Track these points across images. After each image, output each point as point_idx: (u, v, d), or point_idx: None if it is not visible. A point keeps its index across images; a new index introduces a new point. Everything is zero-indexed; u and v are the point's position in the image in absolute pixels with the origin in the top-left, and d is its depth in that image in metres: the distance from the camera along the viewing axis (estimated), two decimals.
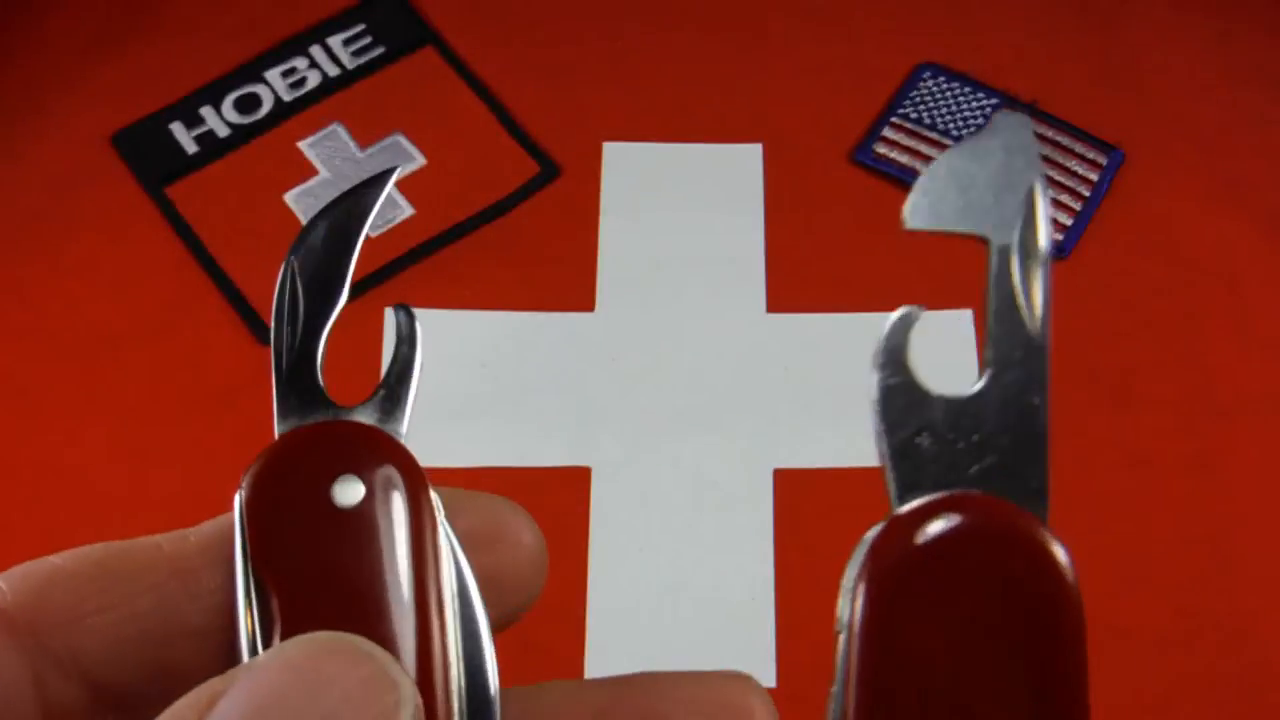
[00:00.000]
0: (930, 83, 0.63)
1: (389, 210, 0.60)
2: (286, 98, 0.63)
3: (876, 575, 0.22)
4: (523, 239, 0.60)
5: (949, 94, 0.63)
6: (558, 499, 0.54)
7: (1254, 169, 0.61)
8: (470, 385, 0.56)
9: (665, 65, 0.64)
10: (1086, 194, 0.60)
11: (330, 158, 0.62)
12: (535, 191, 0.61)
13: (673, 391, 0.56)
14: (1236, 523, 0.53)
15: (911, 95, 0.63)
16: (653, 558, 0.53)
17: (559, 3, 0.66)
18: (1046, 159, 0.61)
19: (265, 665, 0.19)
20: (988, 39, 0.65)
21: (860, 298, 0.58)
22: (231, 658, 0.21)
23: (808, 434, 0.55)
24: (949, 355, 0.57)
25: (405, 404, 0.23)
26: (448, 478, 0.59)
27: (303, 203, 0.60)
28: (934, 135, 0.61)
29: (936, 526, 0.22)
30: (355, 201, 0.23)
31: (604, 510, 0.53)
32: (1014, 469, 0.22)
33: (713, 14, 0.66)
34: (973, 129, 0.62)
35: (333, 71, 0.64)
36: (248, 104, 0.63)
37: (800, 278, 0.59)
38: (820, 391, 0.56)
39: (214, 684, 0.19)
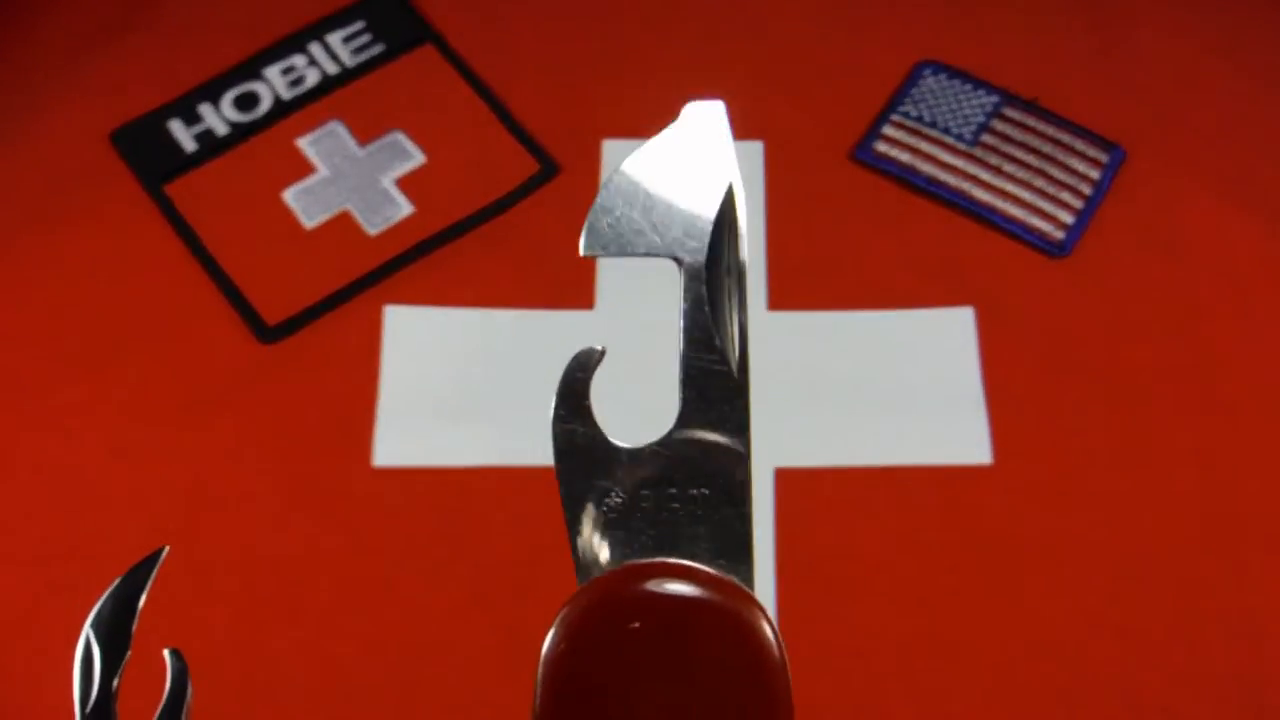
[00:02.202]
0: (930, 80, 0.63)
1: (388, 208, 0.60)
2: (285, 95, 0.63)
3: (555, 661, 0.18)
4: (522, 237, 0.60)
5: (949, 92, 0.62)
6: (558, 499, 0.54)
7: (1256, 166, 0.61)
8: (470, 385, 0.56)
9: (665, 64, 0.64)
10: (1088, 192, 0.60)
11: (329, 155, 0.61)
12: (535, 189, 0.61)
13: (673, 391, 0.56)
14: (1239, 522, 0.53)
15: (912, 93, 0.63)
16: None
17: (559, 2, 0.66)
18: (1047, 157, 0.61)
19: None
20: (988, 37, 0.65)
21: (860, 296, 0.58)
22: None
23: (808, 433, 0.55)
24: (949, 354, 0.57)
25: None
26: (448, 477, 0.59)
27: (302, 200, 0.60)
28: (934, 133, 0.61)
29: (627, 599, 0.18)
30: (135, 578, 0.28)
31: None
32: (717, 525, 0.18)
33: (713, 13, 0.66)
34: (974, 126, 0.61)
35: (332, 69, 0.64)
36: (247, 102, 0.63)
37: (800, 276, 0.58)
38: (820, 391, 0.56)
39: None
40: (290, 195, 0.60)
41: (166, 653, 0.28)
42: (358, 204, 0.60)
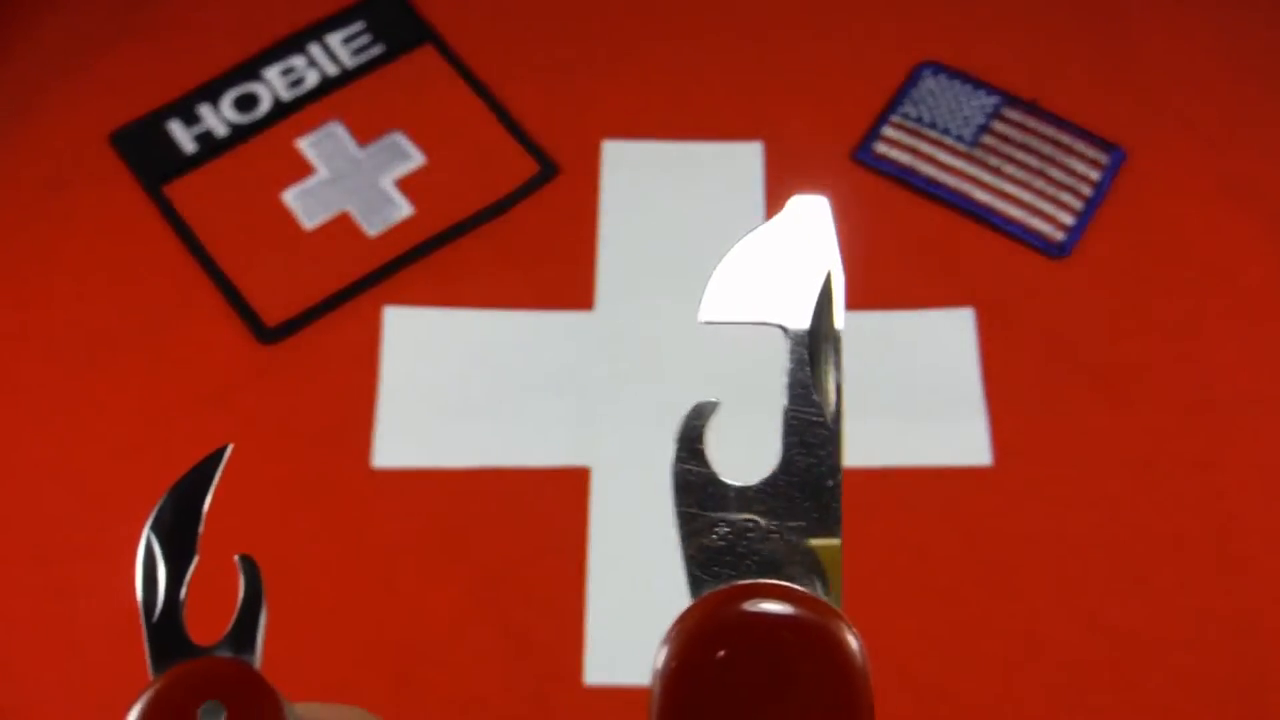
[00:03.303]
0: (931, 81, 0.63)
1: (388, 209, 0.60)
2: (285, 96, 0.63)
3: (671, 673, 0.21)
4: (522, 238, 0.60)
5: (949, 93, 0.62)
6: (558, 499, 0.54)
7: (1256, 167, 0.61)
8: (470, 385, 0.56)
9: (665, 64, 0.64)
10: (1088, 193, 0.60)
11: (329, 156, 0.61)
12: (534, 190, 0.61)
13: (672, 390, 0.56)
14: (1238, 522, 0.53)
15: (912, 94, 0.63)
16: (653, 558, 0.53)
17: (559, 2, 0.66)
18: (1048, 158, 0.61)
19: None
20: (988, 38, 0.65)
21: (860, 297, 0.58)
22: None
23: None
24: (949, 355, 0.57)
25: (257, 639, 0.28)
26: (448, 478, 0.58)
27: (301, 201, 0.60)
28: (934, 134, 0.61)
29: (732, 616, 0.21)
30: (198, 477, 0.28)
31: (604, 510, 0.53)
32: (811, 553, 0.21)
33: (713, 13, 0.66)
34: (974, 127, 0.61)
35: (331, 70, 0.64)
36: (246, 102, 0.63)
37: None
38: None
39: None
40: (290, 196, 0.60)
41: (238, 559, 0.28)
42: (357, 205, 0.60)
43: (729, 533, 0.22)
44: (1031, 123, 0.62)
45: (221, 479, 0.28)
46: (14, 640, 0.51)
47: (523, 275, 0.59)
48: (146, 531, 0.27)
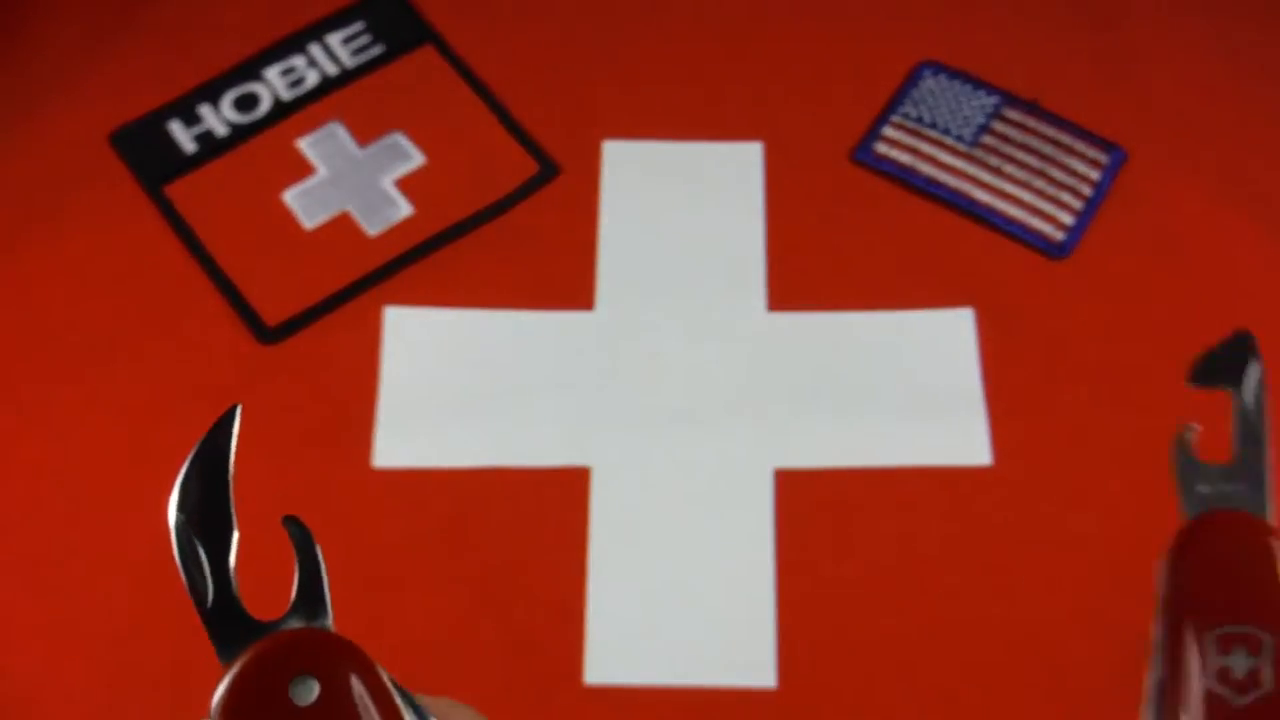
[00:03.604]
0: (931, 82, 0.63)
1: (388, 209, 0.60)
2: (285, 96, 0.63)
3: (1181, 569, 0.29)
4: (522, 238, 0.60)
5: (949, 93, 0.62)
6: (558, 499, 0.54)
7: (1256, 167, 0.61)
8: (470, 385, 0.56)
9: (665, 64, 0.64)
10: (1088, 193, 0.60)
11: (329, 156, 0.61)
12: (535, 190, 0.61)
13: (673, 391, 0.56)
14: None
15: (912, 94, 0.63)
16: (653, 558, 0.53)
17: (559, 2, 0.66)
18: (1048, 158, 0.61)
19: None
20: (988, 38, 0.65)
21: (860, 297, 0.58)
22: None
23: (808, 434, 0.55)
24: (949, 355, 0.56)
25: (326, 603, 0.26)
26: (448, 478, 0.58)
27: (302, 201, 0.60)
28: (934, 134, 0.61)
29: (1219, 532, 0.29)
30: (215, 444, 0.26)
31: (604, 510, 0.53)
32: (1255, 503, 0.30)
33: (713, 13, 0.66)
34: (974, 127, 0.61)
35: (332, 70, 0.64)
36: (246, 103, 0.63)
37: (800, 277, 0.58)
38: (820, 391, 0.56)
39: None
40: (290, 196, 0.60)
41: (285, 522, 0.26)
42: (358, 205, 0.60)
43: (1209, 490, 0.31)
44: (1031, 123, 0.62)
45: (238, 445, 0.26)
46: (14, 640, 0.51)
47: (523, 275, 0.59)
48: (174, 515, 0.26)
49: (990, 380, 0.56)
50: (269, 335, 0.57)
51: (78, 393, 0.56)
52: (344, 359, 0.57)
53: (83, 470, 0.54)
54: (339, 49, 0.64)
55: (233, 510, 0.26)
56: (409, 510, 0.54)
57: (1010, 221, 0.59)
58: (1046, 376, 0.56)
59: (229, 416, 0.26)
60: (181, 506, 0.26)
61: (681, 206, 0.60)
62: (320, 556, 0.26)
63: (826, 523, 0.53)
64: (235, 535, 0.26)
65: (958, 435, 0.55)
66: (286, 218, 0.60)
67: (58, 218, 0.60)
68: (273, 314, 0.57)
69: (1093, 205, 0.60)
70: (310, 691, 0.24)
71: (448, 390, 0.56)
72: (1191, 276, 0.58)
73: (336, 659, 0.25)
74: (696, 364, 0.57)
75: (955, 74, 0.63)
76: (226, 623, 0.25)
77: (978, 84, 0.63)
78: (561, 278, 0.59)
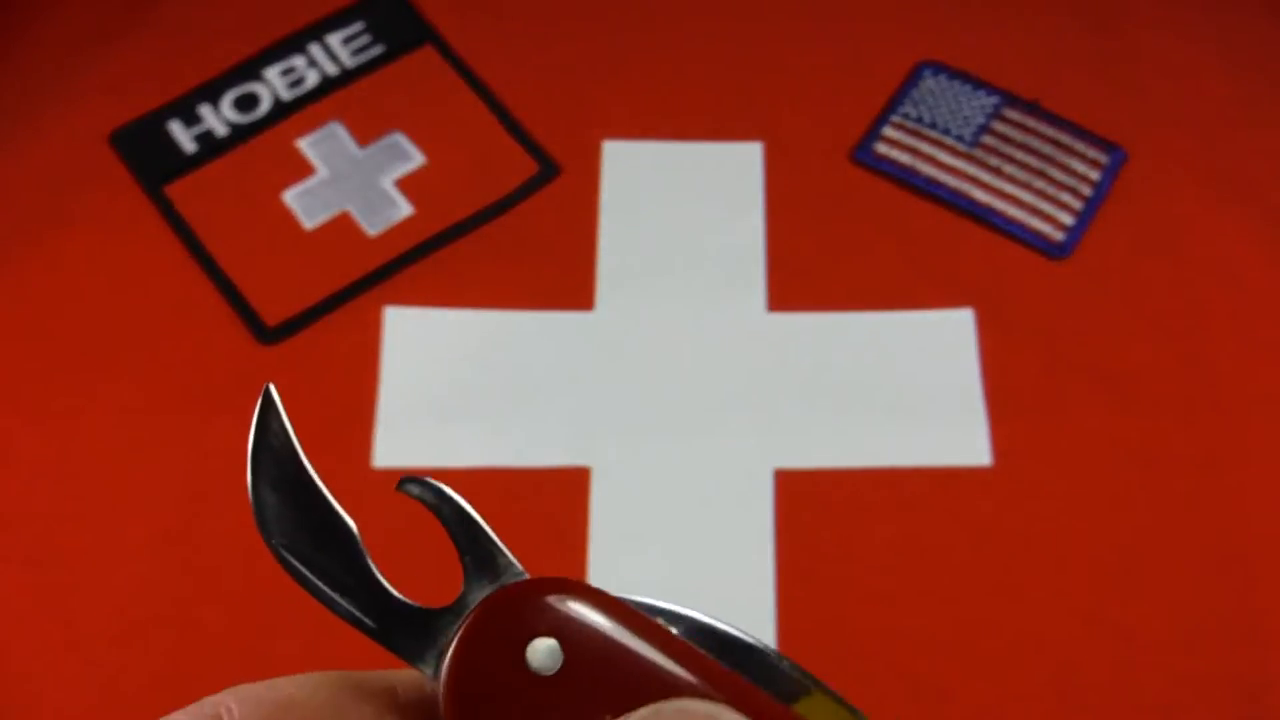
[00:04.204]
0: (931, 82, 0.63)
1: (388, 209, 0.60)
2: (285, 96, 0.63)
3: None
4: (522, 238, 0.60)
5: (949, 93, 0.62)
6: (558, 499, 0.54)
7: (1256, 167, 0.61)
8: (470, 385, 0.56)
9: (665, 64, 0.64)
10: (1088, 193, 0.60)
11: (329, 156, 0.61)
12: (535, 190, 0.61)
13: (673, 391, 0.56)
14: (1240, 523, 0.53)
15: (912, 94, 0.63)
16: (653, 558, 0.53)
17: (559, 2, 0.66)
18: (1048, 158, 0.61)
19: None
20: (988, 38, 0.65)
21: (860, 298, 0.58)
22: None
23: (808, 434, 0.55)
24: (949, 355, 0.57)
25: (508, 554, 0.23)
26: (447, 478, 0.58)
27: (302, 201, 0.60)
28: (934, 134, 0.61)
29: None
30: (271, 441, 0.22)
31: (604, 510, 0.53)
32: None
33: (713, 13, 0.66)
34: (974, 127, 0.61)
35: (332, 70, 0.64)
36: (246, 102, 0.63)
37: (800, 277, 0.58)
38: (820, 391, 0.56)
39: None
40: (290, 196, 0.60)
41: (403, 485, 0.23)
42: (358, 205, 0.60)
43: None
44: (1031, 123, 0.62)
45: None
46: (14, 640, 0.51)
47: (523, 275, 0.59)
48: (273, 547, 0.22)
49: (990, 380, 0.56)
50: (269, 335, 0.57)
51: (78, 393, 0.56)
52: (344, 359, 0.57)
53: (83, 470, 0.54)
54: (339, 49, 0.64)
55: (333, 501, 0.22)
56: (409, 510, 0.54)
57: (1010, 221, 0.59)
58: (1046, 376, 0.56)
59: (268, 404, 0.22)
60: (271, 532, 0.22)
61: (681, 206, 0.60)
62: (471, 508, 0.23)
63: (826, 523, 0.53)
64: (354, 527, 0.22)
65: (958, 435, 0.55)
66: (286, 218, 0.60)
67: (57, 218, 0.60)
68: (273, 314, 0.57)
69: (1093, 205, 0.60)
70: (554, 656, 0.20)
71: (448, 390, 0.56)
72: (1191, 276, 0.58)
73: (579, 600, 0.21)
74: (696, 364, 0.57)
75: (955, 74, 0.63)
76: (402, 628, 0.21)
77: (978, 84, 0.63)
78: (561, 278, 0.59)
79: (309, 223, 0.60)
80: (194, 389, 0.56)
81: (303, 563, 0.22)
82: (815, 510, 0.53)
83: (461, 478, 0.54)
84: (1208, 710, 0.50)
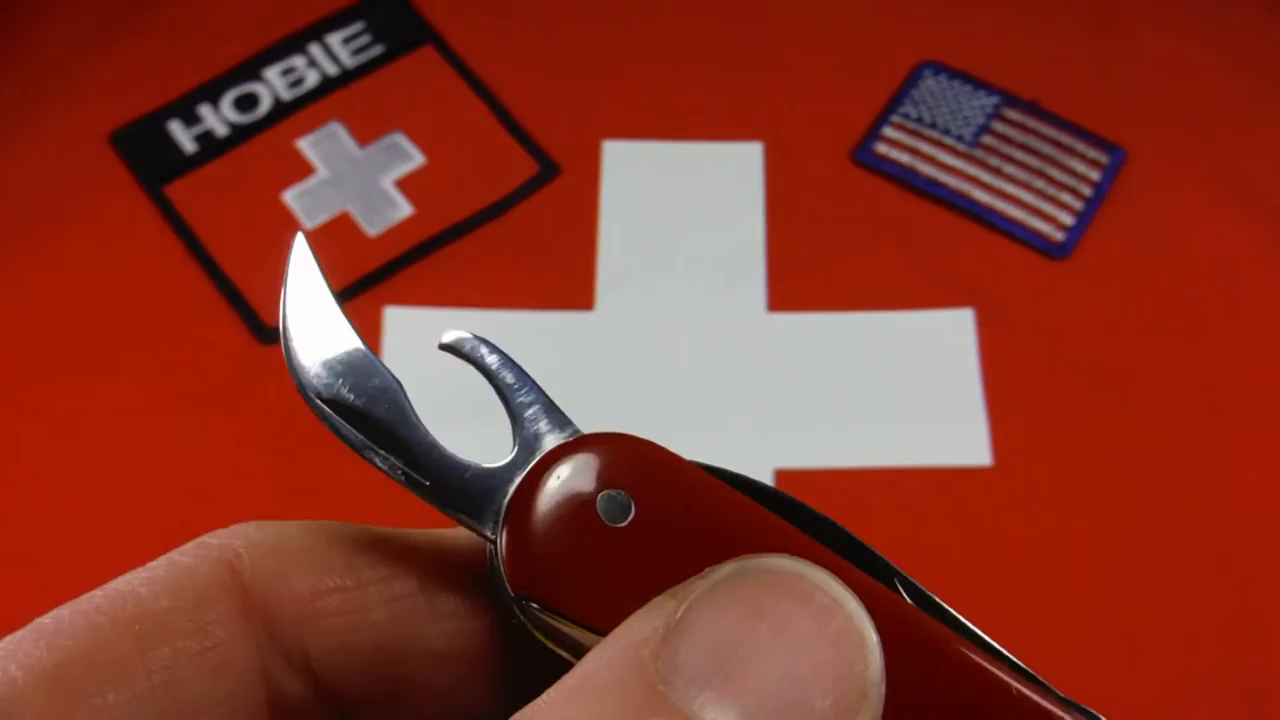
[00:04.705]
0: (930, 82, 0.63)
1: (388, 209, 0.60)
2: (285, 96, 0.63)
3: None
4: (522, 238, 0.60)
5: (949, 93, 0.62)
6: None
7: (1256, 167, 0.61)
8: (470, 385, 0.56)
9: (665, 64, 0.64)
10: (1088, 193, 0.60)
11: (329, 156, 0.61)
12: (535, 190, 0.61)
13: (673, 391, 0.56)
14: (1239, 523, 0.53)
15: (912, 94, 0.63)
16: None
17: (559, 2, 0.66)
18: (1048, 158, 0.61)
19: (717, 604, 0.17)
20: (988, 38, 0.65)
21: (860, 298, 0.58)
22: (471, 681, 0.20)
23: (808, 434, 0.55)
24: (949, 356, 0.56)
25: (554, 404, 0.21)
26: None
27: (302, 201, 0.60)
28: (934, 135, 0.61)
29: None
30: (304, 291, 0.20)
31: None
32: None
33: (713, 13, 0.66)
34: (974, 127, 0.61)
35: (332, 70, 0.64)
36: (246, 103, 0.63)
37: (800, 277, 0.58)
38: (820, 391, 0.56)
39: (657, 618, 0.16)
40: (290, 196, 0.60)
41: (446, 346, 0.22)
42: (358, 205, 0.60)
43: None
44: (1031, 123, 0.62)
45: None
46: None
47: (523, 275, 0.59)
48: (309, 398, 0.20)
49: (990, 380, 0.56)
50: (269, 335, 0.57)
51: (77, 393, 0.56)
52: None
53: (83, 470, 0.54)
54: (339, 49, 0.64)
55: (372, 355, 0.20)
56: (414, 508, 0.54)
57: (1010, 221, 0.59)
58: (1046, 376, 0.56)
59: (301, 252, 0.20)
60: (307, 382, 0.20)
61: (681, 206, 0.60)
62: (502, 363, 0.21)
63: None
64: (399, 381, 0.21)
65: (958, 435, 0.55)
66: (286, 218, 0.60)
67: (57, 218, 0.60)
68: (273, 314, 0.57)
69: (1093, 205, 0.60)
70: (625, 507, 0.19)
71: (448, 391, 0.56)
72: (1191, 276, 0.58)
73: (645, 460, 0.20)
74: (696, 364, 0.57)
75: (955, 74, 0.63)
76: (460, 486, 0.20)
77: (978, 84, 0.63)
78: (561, 278, 0.59)
79: (309, 223, 0.60)
80: (194, 389, 0.56)
81: (343, 415, 0.21)
82: None
83: None
84: (1208, 710, 0.50)
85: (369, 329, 0.57)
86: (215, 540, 0.20)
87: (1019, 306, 0.58)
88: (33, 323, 0.58)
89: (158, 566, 0.19)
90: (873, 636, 0.17)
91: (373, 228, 0.60)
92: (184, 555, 0.20)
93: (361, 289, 0.58)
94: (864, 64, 0.64)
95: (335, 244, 0.59)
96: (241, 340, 0.57)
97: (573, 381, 0.56)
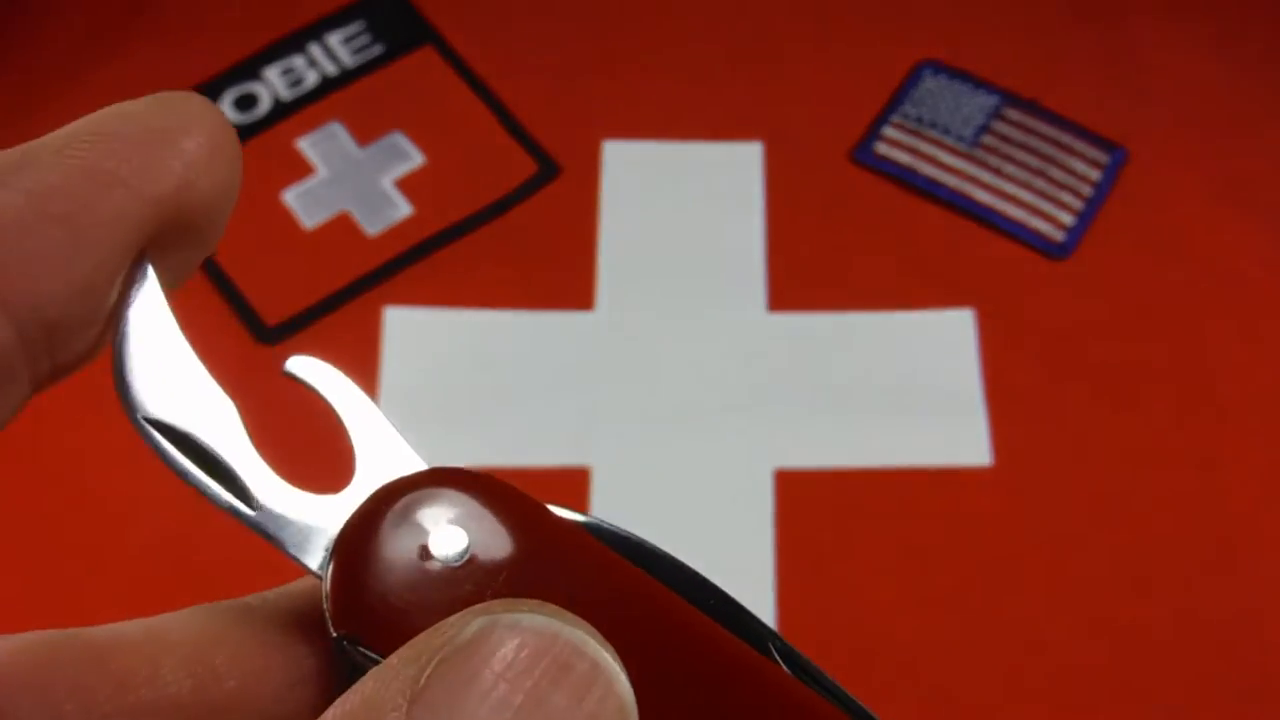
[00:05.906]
0: (931, 82, 0.63)
1: (388, 209, 0.60)
2: (285, 96, 0.63)
3: None
4: (522, 238, 0.60)
5: (950, 93, 0.62)
6: (558, 499, 0.54)
7: (1257, 166, 0.61)
8: (470, 385, 0.56)
9: (665, 64, 0.64)
10: (1088, 193, 0.60)
11: (329, 156, 0.61)
12: (535, 190, 0.61)
13: (673, 391, 0.56)
14: (1239, 523, 0.53)
15: (912, 94, 0.63)
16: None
17: (559, 2, 0.66)
18: (1048, 158, 0.61)
19: (467, 674, 0.15)
20: (988, 37, 0.65)
21: (860, 298, 0.58)
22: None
23: (808, 434, 0.55)
24: (949, 356, 0.57)
25: (397, 438, 0.21)
26: None
27: (301, 201, 0.60)
28: (935, 134, 0.61)
29: None
30: (141, 304, 0.19)
31: (604, 510, 0.53)
32: None
33: (713, 13, 0.66)
34: (974, 127, 0.61)
35: (331, 70, 0.64)
36: (246, 102, 0.63)
37: (801, 277, 0.58)
38: (820, 391, 0.56)
39: (404, 684, 0.15)
40: (290, 196, 0.60)
41: (289, 368, 0.21)
42: (357, 205, 0.60)
43: None
44: (1031, 123, 0.62)
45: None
46: None
47: (523, 275, 0.59)
48: (136, 420, 0.20)
49: (990, 380, 0.56)
50: (269, 335, 0.57)
51: (78, 392, 0.56)
52: (344, 359, 0.56)
53: (83, 470, 0.54)
54: (339, 49, 0.64)
55: (208, 376, 0.20)
56: None
57: (1010, 221, 0.59)
58: (1047, 376, 0.56)
59: (143, 272, 0.18)
60: (134, 403, 0.19)
61: (681, 206, 0.60)
62: (364, 394, 0.20)
63: (826, 523, 0.53)
64: (233, 405, 0.20)
65: (958, 435, 0.55)
66: (286, 218, 0.60)
67: None
68: (272, 314, 0.57)
69: (1093, 205, 0.60)
70: (456, 546, 0.18)
71: (448, 390, 0.56)
72: (1191, 276, 0.58)
73: (484, 495, 0.19)
74: (696, 364, 0.57)
75: (955, 74, 0.63)
76: (288, 518, 0.20)
77: (978, 84, 0.63)
78: (561, 278, 0.59)
79: (309, 223, 0.60)
80: None
81: (171, 440, 0.20)
82: (815, 510, 0.53)
83: None
84: (1208, 710, 0.50)
85: (369, 329, 0.57)
86: None
87: (1019, 306, 0.58)
88: None
89: None
90: (632, 703, 0.16)
91: (372, 228, 0.60)
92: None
93: (361, 289, 0.58)
94: (864, 64, 0.64)
95: (335, 244, 0.59)
96: (241, 340, 0.57)
97: (573, 381, 0.56)
